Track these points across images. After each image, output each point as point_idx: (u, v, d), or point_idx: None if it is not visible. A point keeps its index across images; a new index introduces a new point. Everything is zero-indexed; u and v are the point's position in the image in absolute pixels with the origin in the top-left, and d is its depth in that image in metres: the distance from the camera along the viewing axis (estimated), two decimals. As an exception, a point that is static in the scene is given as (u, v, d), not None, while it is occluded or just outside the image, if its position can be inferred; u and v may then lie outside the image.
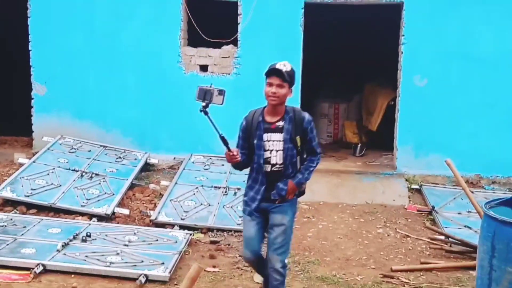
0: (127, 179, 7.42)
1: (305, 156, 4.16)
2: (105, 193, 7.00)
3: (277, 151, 4.04)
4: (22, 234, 5.75)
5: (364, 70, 10.70)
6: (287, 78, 3.87)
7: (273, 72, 3.90)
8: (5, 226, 5.93)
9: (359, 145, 9.77)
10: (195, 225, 6.38)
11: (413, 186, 7.83)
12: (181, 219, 6.48)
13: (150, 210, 6.70)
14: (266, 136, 4.04)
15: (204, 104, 4.03)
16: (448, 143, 8.01)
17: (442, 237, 6.25)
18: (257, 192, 4.10)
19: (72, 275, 4.98)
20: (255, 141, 4.05)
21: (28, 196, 6.67)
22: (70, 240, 5.64)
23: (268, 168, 4.06)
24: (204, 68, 8.40)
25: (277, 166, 4.06)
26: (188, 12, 8.44)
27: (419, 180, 7.96)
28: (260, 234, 4.15)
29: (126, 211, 6.68)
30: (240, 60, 8.34)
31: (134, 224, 6.44)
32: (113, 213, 6.59)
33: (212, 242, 6.01)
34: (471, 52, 8.01)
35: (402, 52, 8.18)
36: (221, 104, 4.23)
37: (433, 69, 8.12)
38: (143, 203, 7.04)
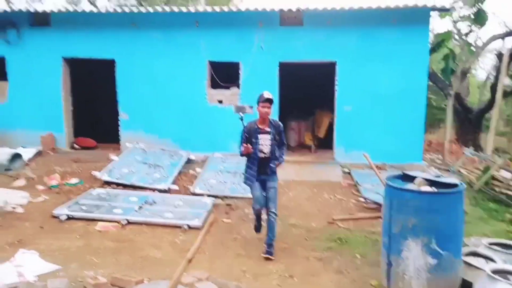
0: (176, 168, 7.39)
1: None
2: (164, 176, 6.97)
3: (266, 145, 4.33)
4: (114, 201, 5.73)
5: (315, 102, 10.70)
6: (272, 102, 4.30)
7: (267, 100, 4.25)
8: (104, 197, 5.93)
9: (312, 146, 9.75)
10: (217, 194, 6.36)
11: (345, 170, 7.84)
12: (208, 191, 6.47)
13: (190, 186, 6.69)
14: (260, 136, 4.32)
15: (241, 114, 4.40)
16: (365, 144, 8.01)
17: (363, 199, 6.28)
18: (254, 171, 4.37)
19: (144, 225, 4.98)
20: (253, 140, 4.29)
21: (118, 178, 6.64)
22: (143, 204, 5.65)
23: (262, 155, 4.33)
24: (220, 101, 8.39)
25: (267, 154, 4.34)
26: (211, 69, 8.45)
27: (349, 166, 7.97)
28: (262, 193, 4.39)
29: (176, 187, 6.67)
30: (242, 96, 8.29)
31: (181, 194, 6.43)
32: (169, 188, 6.56)
33: (227, 205, 6.01)
34: (374, 90, 8.05)
35: (336, 90, 8.22)
36: (251, 113, 4.37)
37: (354, 100, 8.16)
38: (186, 182, 7.03)
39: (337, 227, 5.19)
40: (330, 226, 5.20)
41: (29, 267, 3.54)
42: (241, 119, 4.33)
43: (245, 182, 4.52)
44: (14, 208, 5.15)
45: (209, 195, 6.31)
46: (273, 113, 8.40)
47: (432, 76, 11.25)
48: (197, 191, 6.45)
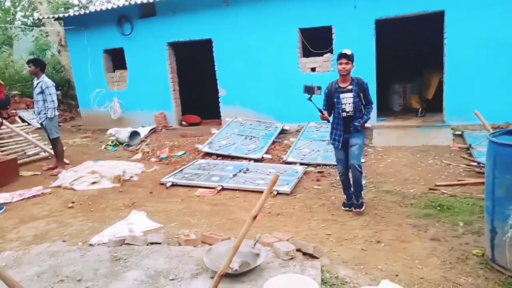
0: (271, 138, 7.53)
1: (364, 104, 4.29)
2: (258, 146, 7.18)
3: (349, 104, 4.17)
4: (212, 170, 6.13)
5: (423, 60, 9.65)
6: (350, 58, 4.11)
7: (342, 55, 4.10)
8: (204, 166, 6.38)
9: (419, 109, 8.88)
10: (309, 162, 6.32)
11: (457, 132, 6.96)
12: (301, 159, 6.46)
13: (283, 155, 6.76)
14: (341, 95, 4.17)
15: (309, 96, 4.29)
16: (483, 102, 6.97)
17: (475, 163, 5.52)
18: (340, 131, 4.26)
19: (237, 191, 5.24)
20: (334, 99, 4.19)
21: (217, 149, 7.08)
22: (238, 172, 5.92)
23: (344, 114, 4.20)
24: (313, 69, 8.18)
25: (350, 112, 4.18)
26: (302, 38, 8.24)
27: (462, 128, 7.06)
28: (345, 154, 4.29)
29: (269, 156, 6.82)
30: (335, 62, 7.92)
31: (274, 163, 6.55)
32: (262, 157, 6.74)
33: (319, 172, 5.93)
34: (494, 40, 6.84)
35: (445, 44, 7.23)
36: (320, 95, 4.33)
37: (468, 54, 7.08)
38: (280, 151, 7.11)
39: (439, 193, 4.67)
40: (432, 193, 4.70)
41: (138, 224, 4.07)
42: (310, 99, 4.21)
43: (332, 143, 4.46)
44: (131, 177, 5.93)
45: (301, 163, 6.30)
46: (370, 75, 7.92)
47: None
48: (290, 159, 6.49)
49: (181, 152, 7.27)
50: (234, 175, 5.78)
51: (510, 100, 6.90)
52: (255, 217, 2.38)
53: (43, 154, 7.09)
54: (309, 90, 4.30)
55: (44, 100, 6.13)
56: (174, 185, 5.56)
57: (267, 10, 8.35)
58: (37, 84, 6.16)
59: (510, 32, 6.77)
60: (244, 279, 2.70)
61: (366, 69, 7.80)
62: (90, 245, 3.51)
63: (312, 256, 3.09)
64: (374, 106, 7.74)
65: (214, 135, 7.69)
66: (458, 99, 7.29)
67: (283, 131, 8.12)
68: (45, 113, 6.17)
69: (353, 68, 4.22)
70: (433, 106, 8.51)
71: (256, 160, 6.66)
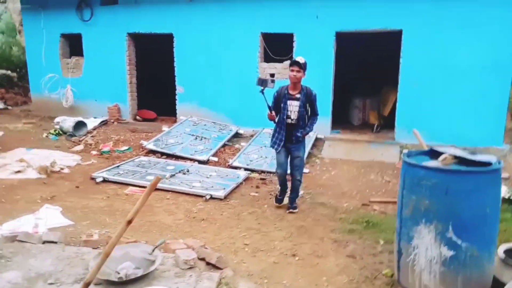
0: (221, 141, 7.36)
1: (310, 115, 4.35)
2: (207, 148, 6.99)
3: (294, 112, 4.20)
4: (151, 169, 5.89)
5: (383, 77, 9.77)
6: (302, 67, 4.10)
7: (294, 63, 4.13)
8: (144, 164, 6.12)
9: (375, 125, 8.96)
10: (254, 168, 6.19)
11: (404, 151, 6.95)
12: (247, 164, 6.32)
13: (230, 159, 6.60)
14: (289, 102, 4.19)
15: (262, 88, 4.22)
16: (433, 123, 7.11)
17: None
18: (282, 135, 4.29)
19: (170, 192, 5.02)
20: (282, 104, 4.21)
21: (162, 148, 6.84)
22: (177, 173, 5.71)
23: (288, 121, 4.22)
24: (272, 75, 8.08)
25: (294, 120, 4.22)
26: (263, 42, 8.15)
27: (410, 147, 7.10)
28: (286, 159, 4.37)
29: (215, 159, 6.64)
30: (294, 69, 7.92)
31: (219, 166, 6.37)
32: (208, 160, 6.56)
33: (261, 179, 5.81)
34: (448, 63, 6.98)
35: (401, 63, 7.31)
36: (273, 88, 4.29)
37: (422, 74, 7.19)
38: (229, 155, 6.96)
39: (371, 209, 4.63)
40: (364, 209, 4.66)
41: (46, 220, 3.79)
42: (262, 92, 4.14)
43: (271, 146, 4.47)
44: (62, 169, 5.60)
45: (246, 169, 6.16)
46: (327, 89, 7.92)
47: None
48: (235, 164, 6.33)
49: (125, 147, 6.98)
50: (172, 176, 5.56)
51: (460, 122, 7.03)
52: (129, 222, 2.20)
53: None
54: (263, 82, 4.29)
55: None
56: (105, 181, 5.28)
57: (231, 10, 8.21)
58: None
59: (463, 56, 6.90)
60: (129, 288, 2.50)
61: (323, 79, 7.80)
62: (-18, 239, 3.21)
63: (215, 267, 2.93)
64: (327, 118, 7.78)
65: (163, 133, 7.45)
66: (409, 117, 7.37)
67: (237, 135, 7.97)
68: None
69: (304, 77, 4.21)
70: (392, 123, 8.61)
71: (201, 162, 6.46)
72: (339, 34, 7.67)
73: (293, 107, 4.16)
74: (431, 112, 7.23)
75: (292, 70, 4.07)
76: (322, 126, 7.93)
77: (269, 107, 4.17)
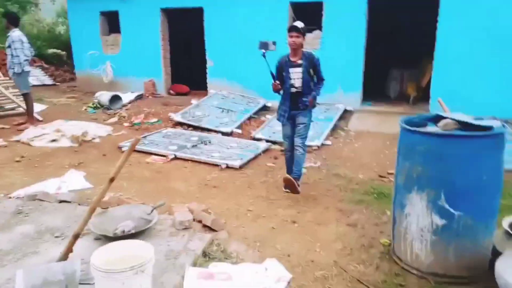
0: (247, 114, 7.41)
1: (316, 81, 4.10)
2: (232, 120, 7.08)
3: (298, 79, 4.00)
4: (176, 139, 6.08)
5: (424, 47, 9.18)
6: (301, 31, 3.90)
7: (292, 28, 3.91)
8: (170, 135, 6.34)
9: (411, 97, 8.53)
10: (275, 140, 6.15)
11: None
12: (269, 136, 6.31)
13: (254, 131, 6.63)
14: (291, 70, 4.00)
15: (264, 51, 4.04)
16: (472, 95, 6.68)
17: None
18: (287, 106, 4.11)
19: (189, 161, 5.18)
20: (284, 73, 4.02)
21: (189, 120, 7.02)
22: (198, 143, 5.87)
23: (293, 90, 4.04)
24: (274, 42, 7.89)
25: (299, 88, 4.02)
26: (292, 12, 7.94)
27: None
28: (292, 131, 4.18)
29: (239, 131, 6.70)
30: (323, 40, 7.69)
31: (243, 138, 6.43)
32: (232, 131, 6.64)
33: (281, 150, 5.74)
34: (491, 29, 6.39)
35: (437, 30, 6.85)
36: (275, 50, 4.18)
37: (461, 42, 6.67)
38: (254, 127, 6.98)
39: (388, 181, 4.48)
40: (380, 180, 4.52)
41: (69, 183, 4.11)
42: (263, 55, 3.95)
43: (278, 119, 4.31)
44: (94, 138, 5.97)
45: (267, 141, 6.17)
46: (357, 60, 7.59)
47: None
48: (258, 136, 6.36)
49: (154, 120, 7.26)
50: (194, 146, 5.73)
51: (499, 93, 6.52)
52: (112, 179, 2.33)
53: (20, 110, 7.22)
54: (264, 45, 4.09)
55: (12, 55, 6.17)
56: (131, 150, 5.55)
57: (259, -19, 8.07)
58: (7, 38, 6.20)
59: (505, 22, 6.30)
60: (123, 243, 2.67)
61: (354, 50, 7.51)
62: (10, 197, 3.56)
63: (211, 229, 3.03)
64: (357, 89, 7.51)
65: (191, 106, 7.63)
66: (445, 88, 6.92)
67: (265, 108, 7.96)
68: (12, 68, 6.22)
69: (304, 42, 4.08)
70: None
71: (224, 134, 6.56)
72: (372, 0, 7.27)
73: (296, 74, 3.97)
74: (469, 82, 6.76)
75: (291, 36, 3.87)
76: (352, 97, 7.72)
77: (272, 75, 3.98)
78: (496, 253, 2.51)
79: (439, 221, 2.42)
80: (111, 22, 10.36)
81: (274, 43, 4.07)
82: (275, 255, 2.80)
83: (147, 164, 5.08)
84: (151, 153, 5.42)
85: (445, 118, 2.71)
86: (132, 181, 4.37)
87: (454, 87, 6.85)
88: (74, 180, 4.20)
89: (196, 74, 10.22)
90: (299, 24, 3.95)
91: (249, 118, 7.34)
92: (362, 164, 5.12)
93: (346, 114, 7.42)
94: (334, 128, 6.73)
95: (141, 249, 2.02)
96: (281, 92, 4.14)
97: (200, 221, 3.08)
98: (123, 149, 5.54)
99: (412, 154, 2.50)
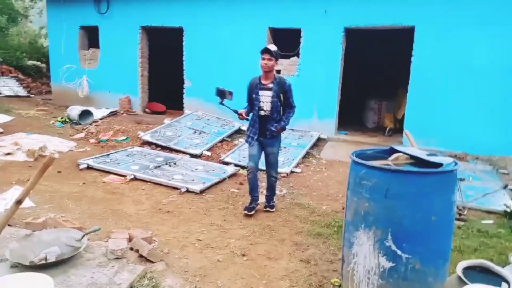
0: (220, 136, 7.23)
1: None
2: (203, 142, 6.88)
3: (267, 102, 3.94)
4: (140, 159, 5.84)
5: (400, 79, 9.28)
6: (274, 55, 3.86)
7: (265, 51, 3.88)
8: (135, 154, 6.10)
9: (387, 129, 8.51)
10: (244, 165, 5.93)
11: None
12: (239, 160, 6.12)
13: (223, 155, 6.44)
14: (261, 92, 3.95)
15: (221, 100, 4.14)
16: (443, 128, 6.67)
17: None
18: (256, 128, 4.04)
19: (148, 183, 4.94)
20: (254, 95, 3.97)
21: (157, 139, 6.79)
22: (162, 165, 5.64)
23: (262, 113, 3.97)
24: (278, 71, 7.84)
25: (267, 112, 3.95)
26: (270, 37, 7.93)
27: (418, 152, 6.62)
28: (259, 153, 4.10)
29: (209, 153, 6.50)
30: (301, 66, 7.66)
31: (212, 161, 6.23)
32: (201, 154, 6.44)
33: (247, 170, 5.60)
34: (463, 63, 6.46)
35: (412, 62, 6.87)
36: (231, 100, 4.15)
37: (435, 75, 6.70)
38: (225, 151, 6.79)
39: (351, 214, 4.29)
40: (342, 212, 4.24)
41: (10, 200, 3.80)
42: (221, 103, 4.04)
43: (246, 141, 4.24)
44: (52, 153, 5.68)
45: (236, 165, 5.98)
46: (333, 87, 7.56)
47: None
48: (226, 159, 6.17)
49: (123, 137, 7.02)
50: (157, 167, 5.49)
51: (472, 129, 6.49)
52: (19, 202, 2.09)
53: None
54: (221, 94, 4.15)
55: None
56: (90, 168, 5.29)
57: (239, 4, 8.09)
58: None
59: (479, 57, 6.37)
60: (43, 273, 2.39)
61: (330, 77, 7.48)
62: None
63: (148, 260, 2.78)
64: (332, 117, 7.44)
65: (162, 125, 7.43)
66: (419, 121, 6.89)
67: (240, 131, 7.80)
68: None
69: (277, 66, 4.04)
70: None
71: (193, 156, 6.35)
72: (349, 31, 7.33)
73: (265, 98, 3.91)
74: (443, 116, 6.73)
75: (264, 59, 3.84)
76: (327, 125, 7.64)
77: (235, 111, 4.04)
78: (447, 301, 2.33)
79: (386, 263, 2.22)
80: (91, 37, 10.23)
81: (230, 93, 4.07)
82: (214, 292, 2.56)
83: (103, 183, 4.81)
84: (110, 172, 5.16)
85: (398, 151, 2.57)
86: (81, 202, 4.09)
87: (428, 120, 6.82)
88: (15, 198, 3.89)
89: (174, 94, 10.09)
90: (272, 47, 3.92)
91: (222, 141, 7.16)
92: (328, 194, 4.95)
93: (320, 142, 7.31)
94: (306, 156, 6.59)
95: (39, 284, 1.76)
96: (250, 115, 4.08)
97: (137, 251, 2.83)
98: (81, 166, 5.27)
99: (359, 188, 2.33)
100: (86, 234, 2.74)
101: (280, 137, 4.17)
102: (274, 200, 4.34)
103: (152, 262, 2.76)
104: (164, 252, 3.06)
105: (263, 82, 3.96)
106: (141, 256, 2.79)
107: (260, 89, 3.94)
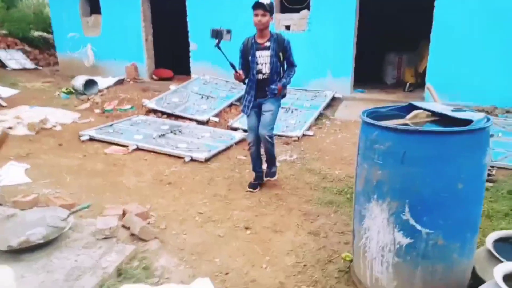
0: (228, 100, 6.88)
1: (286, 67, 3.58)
2: (210, 108, 6.57)
3: (265, 64, 3.46)
4: (144, 128, 5.61)
5: (423, 30, 8.54)
6: (267, 9, 3.32)
7: (257, 5, 3.32)
8: (139, 123, 5.87)
9: (407, 84, 7.95)
10: (253, 130, 5.67)
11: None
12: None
13: (232, 120, 6.13)
14: (258, 53, 3.45)
15: (217, 41, 3.38)
16: (468, 81, 6.11)
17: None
18: (252, 95, 3.58)
19: (151, 153, 4.70)
20: (250, 57, 3.47)
21: (163, 107, 6.51)
22: (167, 133, 5.39)
23: (260, 76, 3.50)
24: (287, 27, 7.32)
25: (266, 74, 3.48)
26: (279, -11, 7.33)
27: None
28: (257, 123, 3.62)
29: (216, 119, 6.19)
30: (311, 20, 7.07)
31: (219, 127, 5.93)
32: (208, 120, 6.14)
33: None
34: (493, 8, 5.76)
35: (434, 7, 6.21)
36: (229, 40, 3.53)
37: (460, 23, 6.04)
38: (233, 116, 6.46)
39: (367, 179, 3.96)
40: (358, 177, 4.00)
41: (5, 177, 3.65)
42: (217, 46, 3.35)
43: (242, 110, 3.78)
44: (54, 126, 5.50)
45: (244, 130, 5.65)
46: (347, 43, 6.97)
47: None
48: (234, 125, 5.86)
49: (128, 106, 6.76)
50: (161, 136, 5.24)
51: (501, 79, 5.93)
52: None
53: (-14, 95, 6.76)
54: (217, 34, 3.48)
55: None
56: (91, 139, 5.09)
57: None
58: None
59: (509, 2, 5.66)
60: (24, 257, 2.20)
61: (344, 33, 6.91)
62: None
63: (140, 238, 2.56)
64: (347, 75, 6.94)
65: (168, 92, 7.10)
66: (442, 75, 6.35)
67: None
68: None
69: (272, 21, 3.50)
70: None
71: (200, 122, 6.07)
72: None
73: (263, 58, 3.43)
74: (469, 67, 6.17)
75: (256, 15, 3.32)
76: (342, 84, 7.16)
77: (232, 65, 3.45)
78: (476, 278, 2.02)
79: (402, 239, 1.91)
80: (92, 2, 9.78)
81: (228, 31, 3.42)
82: (210, 272, 2.33)
83: (104, 155, 4.60)
84: (112, 143, 4.94)
85: (417, 108, 2.18)
86: (79, 175, 3.91)
87: (452, 73, 6.27)
88: (11, 174, 3.75)
89: (181, 58, 9.68)
90: (264, 0, 3.37)
91: (230, 105, 6.82)
92: (342, 158, 4.60)
93: (335, 102, 6.86)
94: (320, 117, 6.19)
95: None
96: (246, 80, 3.63)
97: (129, 228, 2.61)
98: (82, 138, 5.07)
99: (371, 153, 1.97)
100: (73, 212, 2.53)
101: (279, 98, 3.66)
102: (276, 165, 3.85)
103: (144, 240, 2.54)
104: (161, 228, 2.84)
105: (259, 41, 3.45)
106: (133, 234, 2.57)
107: (257, 50, 3.44)
